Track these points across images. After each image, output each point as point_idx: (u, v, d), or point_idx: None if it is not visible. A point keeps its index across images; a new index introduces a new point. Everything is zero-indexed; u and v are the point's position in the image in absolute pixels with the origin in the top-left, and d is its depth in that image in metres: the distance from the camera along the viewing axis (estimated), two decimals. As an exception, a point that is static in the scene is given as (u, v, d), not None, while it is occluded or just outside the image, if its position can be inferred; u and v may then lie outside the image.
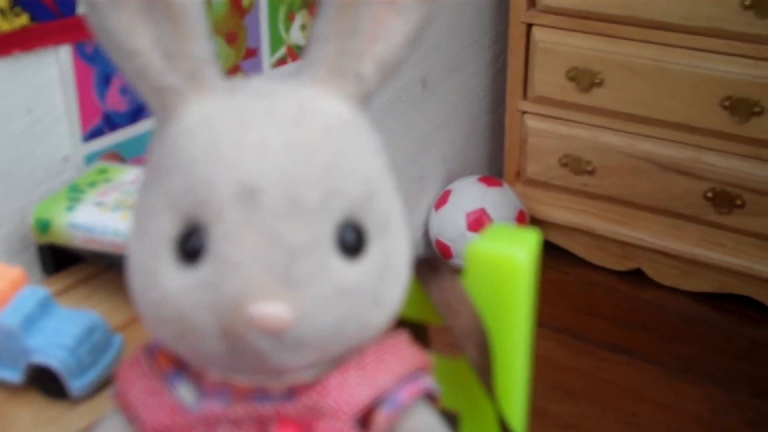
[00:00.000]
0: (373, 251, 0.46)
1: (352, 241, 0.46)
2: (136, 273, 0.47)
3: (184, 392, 0.49)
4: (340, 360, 0.48)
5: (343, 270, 0.45)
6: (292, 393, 0.47)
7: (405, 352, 0.50)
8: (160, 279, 0.45)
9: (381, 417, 0.48)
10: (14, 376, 0.76)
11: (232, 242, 0.43)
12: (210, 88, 0.47)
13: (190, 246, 0.44)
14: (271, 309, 0.43)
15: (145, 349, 0.51)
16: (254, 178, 0.43)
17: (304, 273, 0.44)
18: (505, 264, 0.59)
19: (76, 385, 0.74)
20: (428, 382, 0.50)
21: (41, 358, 0.74)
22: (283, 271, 0.43)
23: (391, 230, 0.48)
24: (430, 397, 0.51)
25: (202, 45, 0.47)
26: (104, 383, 0.77)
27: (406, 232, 0.49)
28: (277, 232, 0.43)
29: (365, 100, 0.49)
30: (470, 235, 1.86)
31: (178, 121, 0.46)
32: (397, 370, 0.49)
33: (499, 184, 1.94)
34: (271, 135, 0.45)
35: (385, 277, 0.47)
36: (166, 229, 0.45)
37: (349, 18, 0.48)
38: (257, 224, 0.43)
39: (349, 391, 0.47)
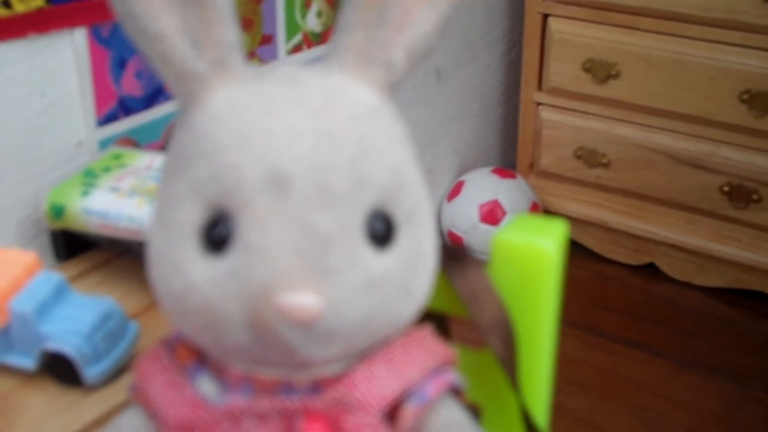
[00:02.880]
0: (403, 242, 0.46)
1: (381, 231, 0.45)
2: (159, 263, 0.46)
3: (206, 386, 0.48)
4: (367, 353, 0.47)
5: (373, 260, 0.44)
6: (317, 386, 0.46)
7: (431, 345, 0.49)
8: (184, 269, 0.44)
9: (408, 411, 0.47)
10: (28, 362, 0.75)
11: (261, 230, 0.42)
12: (236, 75, 0.46)
13: (216, 234, 0.43)
14: (301, 299, 0.42)
15: (165, 343, 0.50)
16: (284, 165, 0.43)
17: (335, 262, 0.43)
18: (532, 255, 0.58)
19: (90, 373, 0.74)
20: (454, 376, 0.49)
21: (55, 345, 0.73)
22: (314, 259, 0.42)
23: (420, 221, 0.47)
24: (455, 392, 0.50)
25: (229, 31, 0.46)
26: (119, 371, 0.76)
27: (432, 222, 0.49)
28: (308, 220, 0.42)
29: (392, 88, 0.48)
30: (483, 226, 1.85)
31: (204, 108, 0.45)
32: (424, 364, 0.48)
33: (513, 176, 1.93)
34: (299, 122, 0.44)
35: (415, 268, 0.46)
36: (191, 218, 0.44)
37: (378, 6, 0.47)
38: (287, 212, 0.42)
39: (377, 384, 0.46)
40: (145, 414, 0.49)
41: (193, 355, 0.49)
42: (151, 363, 0.49)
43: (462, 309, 0.58)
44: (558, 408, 1.53)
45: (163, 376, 0.48)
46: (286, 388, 0.46)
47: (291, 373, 0.46)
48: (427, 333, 0.50)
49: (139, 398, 0.50)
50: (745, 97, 1.68)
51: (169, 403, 0.47)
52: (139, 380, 0.50)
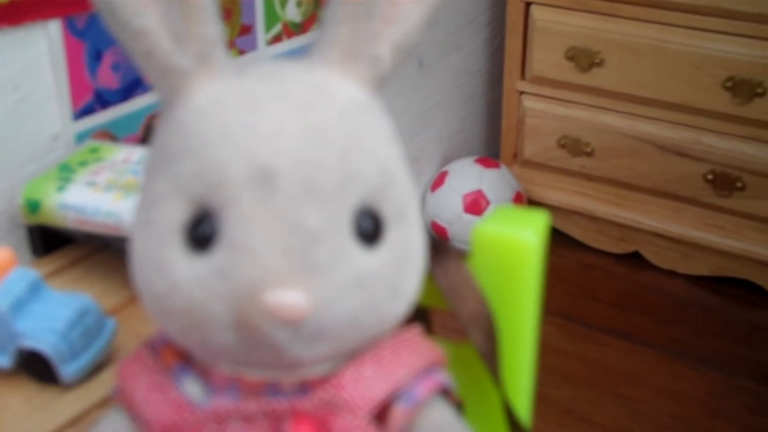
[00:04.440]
0: (391, 240, 0.45)
1: (369, 229, 0.44)
2: (142, 263, 0.44)
3: (191, 388, 0.46)
4: (355, 353, 0.46)
5: (362, 258, 0.43)
6: (305, 387, 0.45)
7: (420, 346, 0.48)
8: (168, 268, 0.43)
9: (398, 412, 0.46)
10: (3, 361, 0.73)
11: (246, 227, 0.41)
12: (219, 70, 0.45)
13: (201, 232, 0.42)
14: (289, 296, 0.41)
15: (148, 344, 0.49)
16: (270, 160, 0.41)
17: (323, 259, 0.42)
18: (512, 247, 0.58)
19: (67, 371, 0.72)
20: (444, 376, 0.49)
21: (31, 343, 0.72)
22: (302, 256, 0.41)
23: (408, 219, 0.46)
24: (445, 392, 0.49)
25: (211, 25, 0.45)
26: (96, 368, 0.75)
27: (420, 220, 0.48)
28: (295, 216, 0.41)
29: (379, 83, 0.47)
30: (467, 217, 1.85)
31: (187, 103, 0.44)
32: (413, 364, 0.47)
33: (496, 166, 1.92)
34: (285, 117, 0.43)
35: (403, 266, 0.45)
36: (175, 216, 0.43)
37: (365, 0, 0.46)
38: (273, 208, 0.41)
39: (366, 385, 0.45)
40: (128, 416, 0.48)
41: (177, 357, 0.47)
42: (135, 364, 0.48)
43: (442, 301, 0.58)
44: (543, 399, 1.53)
45: (147, 378, 0.47)
46: (273, 389, 0.45)
47: (278, 374, 0.45)
48: (417, 333, 0.49)
49: (121, 400, 0.49)
50: (729, 84, 1.68)
51: (153, 405, 0.46)
52: (122, 382, 0.49)
